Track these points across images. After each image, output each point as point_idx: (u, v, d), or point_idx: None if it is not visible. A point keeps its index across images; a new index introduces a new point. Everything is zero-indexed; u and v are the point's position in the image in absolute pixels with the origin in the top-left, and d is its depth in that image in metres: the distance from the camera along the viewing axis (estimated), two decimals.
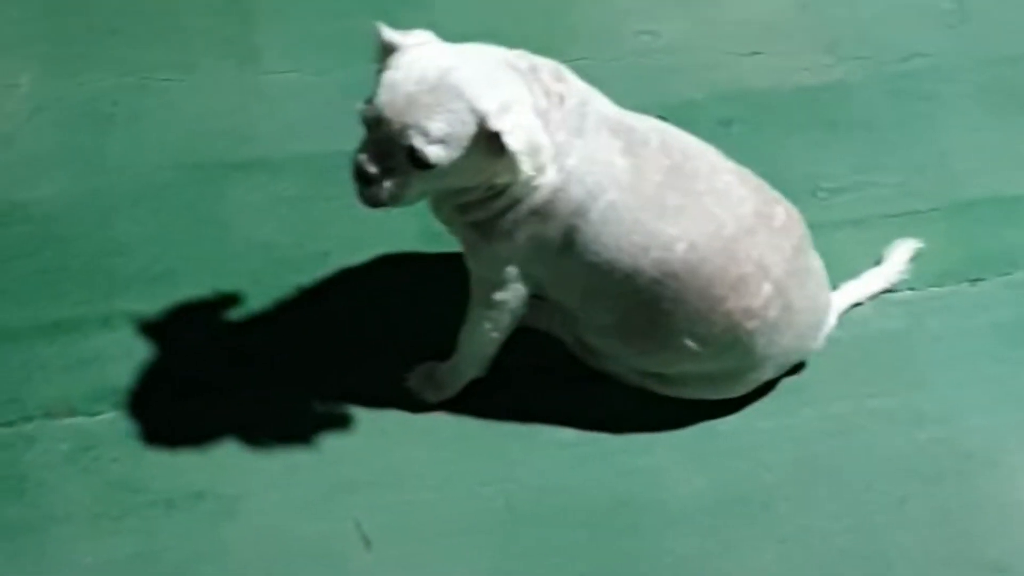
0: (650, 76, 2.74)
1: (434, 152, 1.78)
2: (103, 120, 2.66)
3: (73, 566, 2.08)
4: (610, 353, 2.23)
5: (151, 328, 2.36)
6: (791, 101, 2.71)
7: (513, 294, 2.09)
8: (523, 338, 2.20)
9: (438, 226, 2.12)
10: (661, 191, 1.97)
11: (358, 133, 1.89)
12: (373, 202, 1.88)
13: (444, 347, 2.24)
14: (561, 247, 1.98)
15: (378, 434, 2.23)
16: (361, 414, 2.25)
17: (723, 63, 2.78)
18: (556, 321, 2.28)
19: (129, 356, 2.32)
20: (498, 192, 1.91)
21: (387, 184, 1.85)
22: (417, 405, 2.26)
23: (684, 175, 2.00)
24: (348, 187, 1.91)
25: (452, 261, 2.16)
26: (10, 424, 2.24)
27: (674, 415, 2.25)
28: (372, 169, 1.84)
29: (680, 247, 1.98)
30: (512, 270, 2.05)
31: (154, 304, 2.38)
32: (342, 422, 2.25)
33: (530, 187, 1.89)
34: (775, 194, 2.12)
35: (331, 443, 2.22)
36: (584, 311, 2.14)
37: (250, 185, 2.54)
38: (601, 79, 2.07)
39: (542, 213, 1.94)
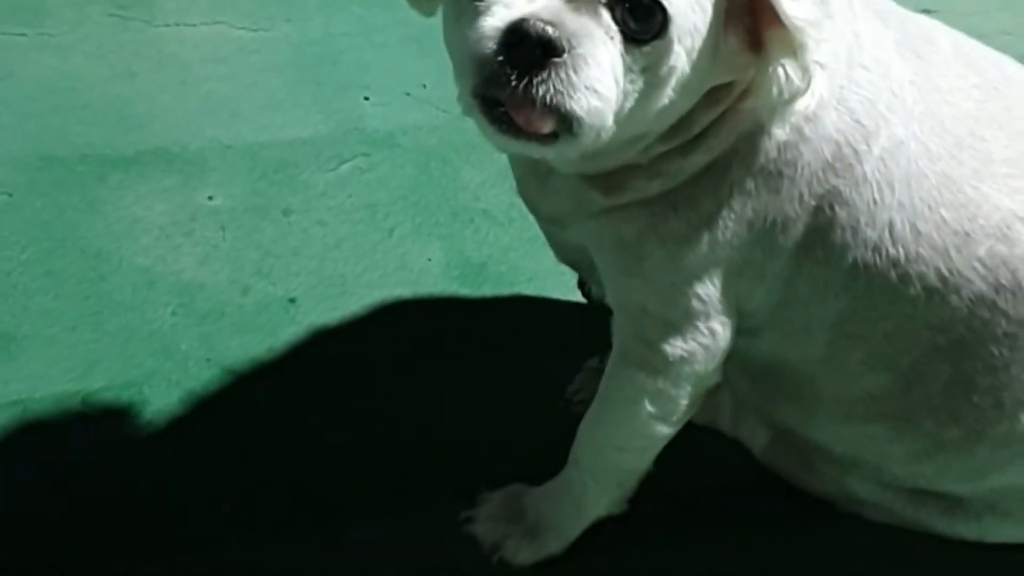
0: None
1: None
2: None
3: None
4: (862, 457, 1.30)
5: None
6: None
7: (708, 340, 1.17)
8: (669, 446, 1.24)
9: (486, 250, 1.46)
10: (978, 129, 1.17)
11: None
12: (544, 110, 0.99)
13: (536, 459, 1.29)
14: (804, 239, 1.14)
15: None
16: None
17: None
18: (729, 405, 1.38)
19: None
20: (695, 136, 1.10)
21: (564, 76, 0.99)
22: (493, 572, 1.27)
23: (1007, 105, 1.19)
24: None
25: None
26: None
27: None
28: (556, 33, 0.98)
29: None
30: (709, 292, 1.15)
31: None
32: None
33: (781, 113, 1.09)
34: None
35: None
36: (829, 367, 1.22)
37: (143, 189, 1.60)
38: None
39: (772, 172, 1.11)
